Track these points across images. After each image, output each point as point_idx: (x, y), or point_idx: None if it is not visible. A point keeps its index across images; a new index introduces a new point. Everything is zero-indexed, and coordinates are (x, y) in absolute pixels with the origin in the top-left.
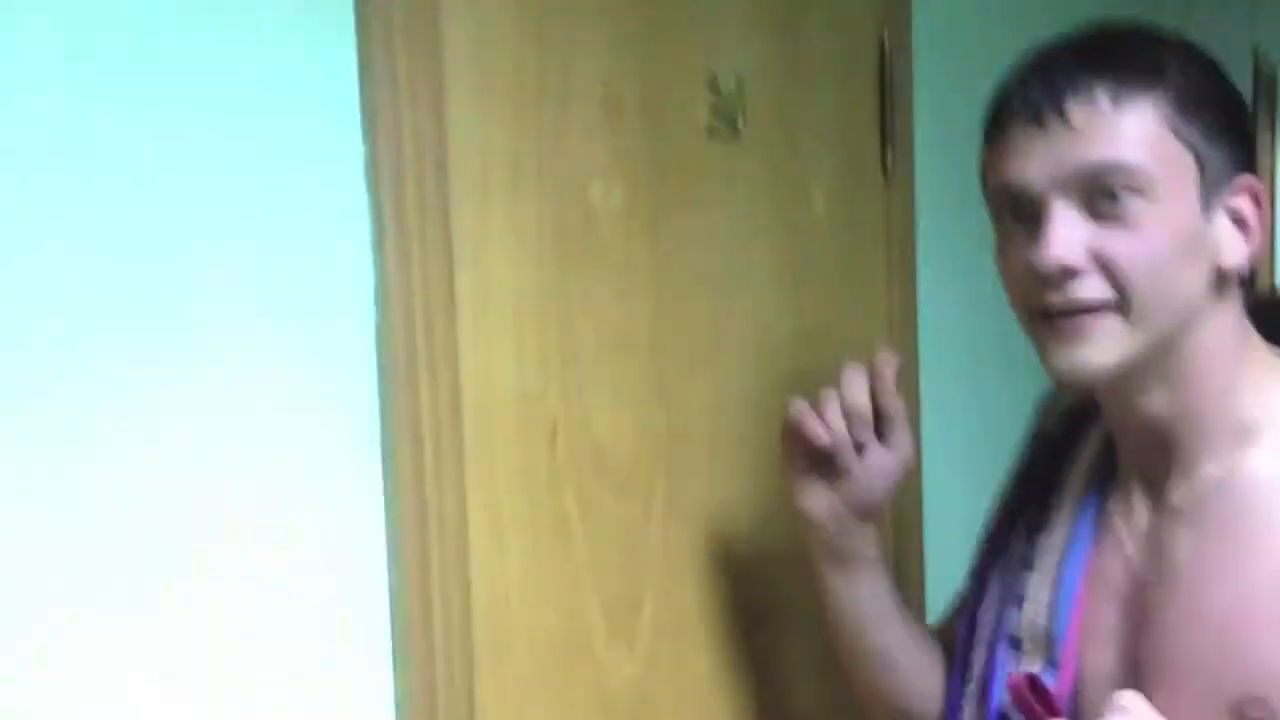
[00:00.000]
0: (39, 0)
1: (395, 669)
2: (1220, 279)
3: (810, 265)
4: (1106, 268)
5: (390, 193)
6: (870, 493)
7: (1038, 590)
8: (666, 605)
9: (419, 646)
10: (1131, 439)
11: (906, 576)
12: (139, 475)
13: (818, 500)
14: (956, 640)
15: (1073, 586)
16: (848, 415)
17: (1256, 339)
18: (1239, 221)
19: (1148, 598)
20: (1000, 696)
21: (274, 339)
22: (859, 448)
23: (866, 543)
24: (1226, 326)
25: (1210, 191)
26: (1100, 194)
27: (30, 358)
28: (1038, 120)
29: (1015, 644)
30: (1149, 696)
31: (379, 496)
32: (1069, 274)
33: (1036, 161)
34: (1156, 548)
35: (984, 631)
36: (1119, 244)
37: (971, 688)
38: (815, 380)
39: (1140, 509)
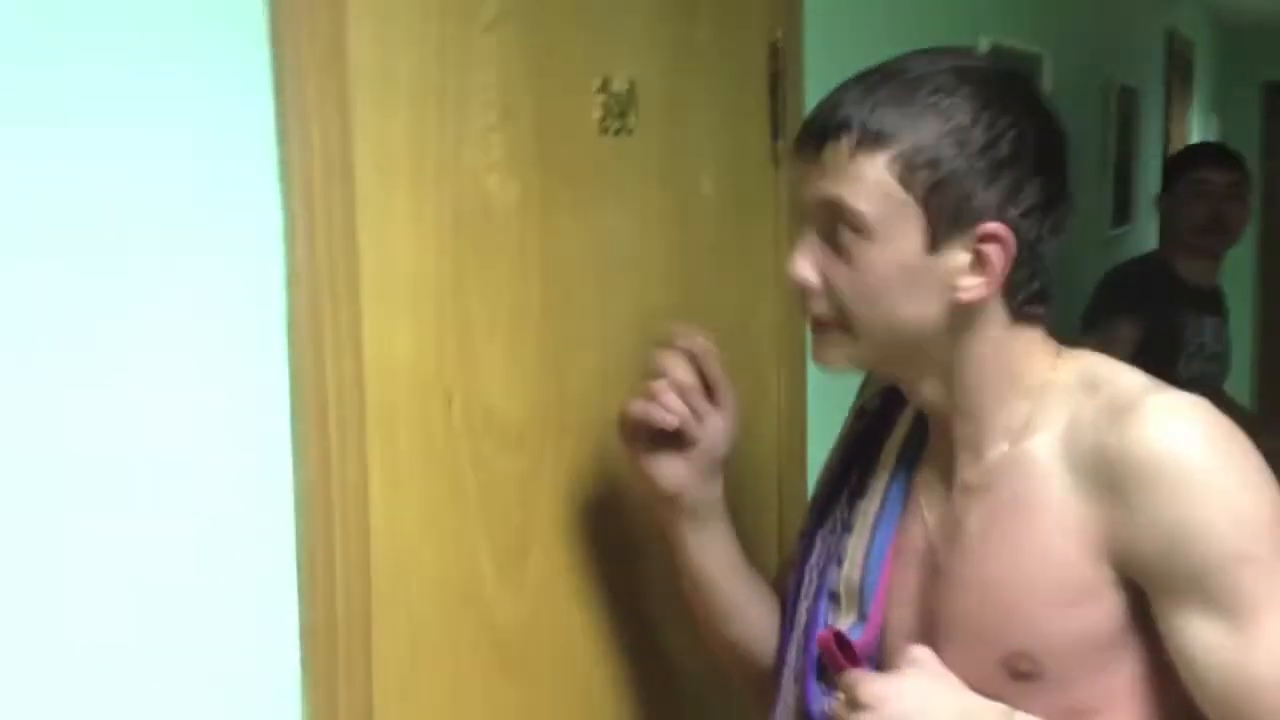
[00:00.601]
0: None
1: (300, 606)
2: (966, 308)
3: (697, 247)
4: (830, 291)
5: (300, 189)
6: (716, 449)
7: (854, 551)
8: (552, 554)
9: (322, 586)
10: (929, 419)
11: (788, 540)
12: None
13: (673, 471)
14: (787, 595)
15: (882, 549)
16: (681, 392)
17: (1035, 349)
18: (981, 262)
19: (940, 562)
20: (817, 647)
21: (192, 319)
22: (698, 417)
23: (717, 494)
24: (988, 348)
25: (942, 234)
26: (833, 227)
27: None
28: (803, 153)
29: (834, 599)
30: (939, 650)
31: (287, 458)
32: (805, 292)
33: (802, 187)
34: (951, 518)
35: (808, 587)
36: (839, 274)
37: (796, 635)
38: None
39: (938, 482)
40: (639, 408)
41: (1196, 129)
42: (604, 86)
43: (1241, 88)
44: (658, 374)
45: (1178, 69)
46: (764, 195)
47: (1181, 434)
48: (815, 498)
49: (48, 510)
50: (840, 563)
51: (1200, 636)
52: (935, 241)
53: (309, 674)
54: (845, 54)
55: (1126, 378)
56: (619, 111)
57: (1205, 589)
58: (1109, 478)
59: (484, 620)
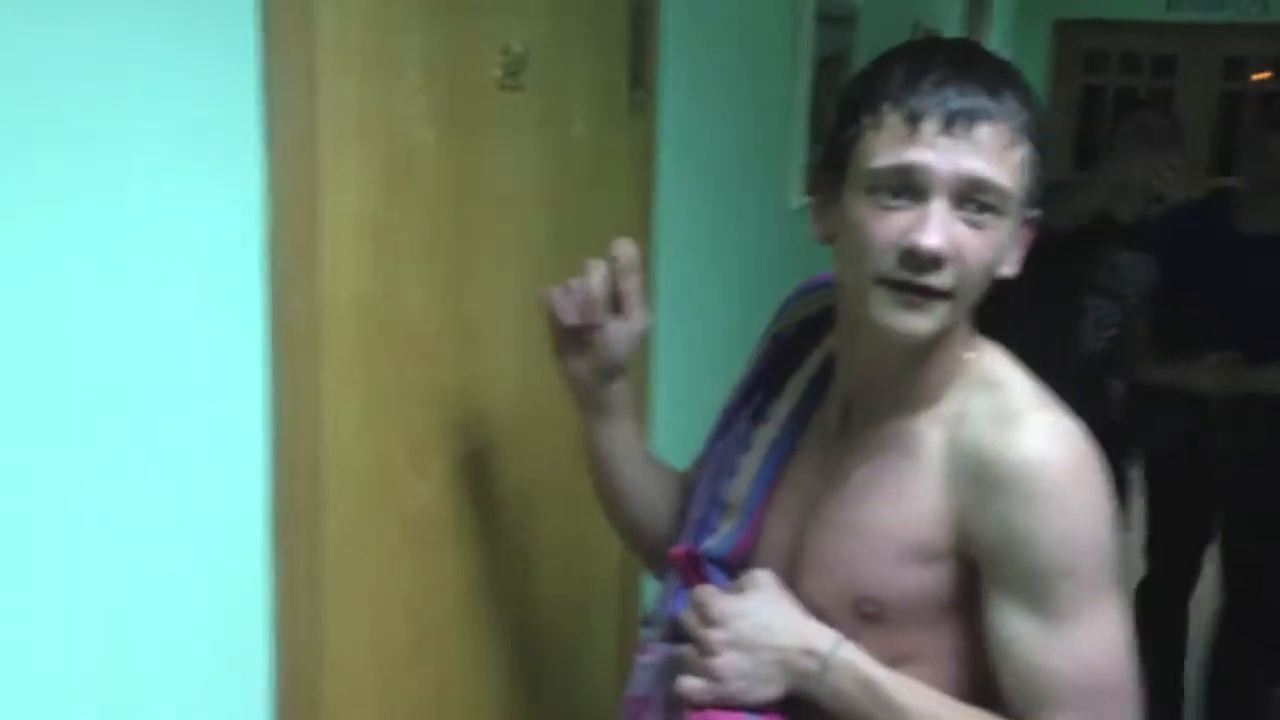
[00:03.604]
0: None
1: (270, 493)
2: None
3: (570, 185)
4: (957, 262)
5: (279, 140)
6: (612, 356)
7: (748, 467)
8: (455, 447)
9: (287, 477)
10: (860, 368)
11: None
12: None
13: (575, 366)
14: (690, 493)
15: (770, 470)
16: (587, 300)
17: (955, 333)
18: (1018, 243)
19: (819, 497)
20: (703, 544)
21: (184, 262)
22: (598, 326)
23: (616, 396)
24: (964, 324)
25: (1022, 214)
26: (971, 200)
27: None
28: (950, 128)
29: (723, 507)
30: (799, 578)
31: (259, 373)
32: (937, 263)
33: (936, 158)
34: (836, 462)
35: (704, 492)
36: (972, 245)
37: (688, 532)
38: (571, 273)
39: (834, 423)
40: (544, 294)
41: None
42: (504, 49)
43: (1033, 26)
44: (580, 275)
45: (975, 8)
46: (622, 137)
47: (1048, 453)
48: (723, 413)
49: (54, 411)
50: (734, 475)
51: (1012, 623)
52: (1019, 220)
53: (277, 545)
54: (698, 16)
55: (1021, 386)
56: (514, 70)
57: (1028, 587)
58: (978, 472)
59: (398, 506)
